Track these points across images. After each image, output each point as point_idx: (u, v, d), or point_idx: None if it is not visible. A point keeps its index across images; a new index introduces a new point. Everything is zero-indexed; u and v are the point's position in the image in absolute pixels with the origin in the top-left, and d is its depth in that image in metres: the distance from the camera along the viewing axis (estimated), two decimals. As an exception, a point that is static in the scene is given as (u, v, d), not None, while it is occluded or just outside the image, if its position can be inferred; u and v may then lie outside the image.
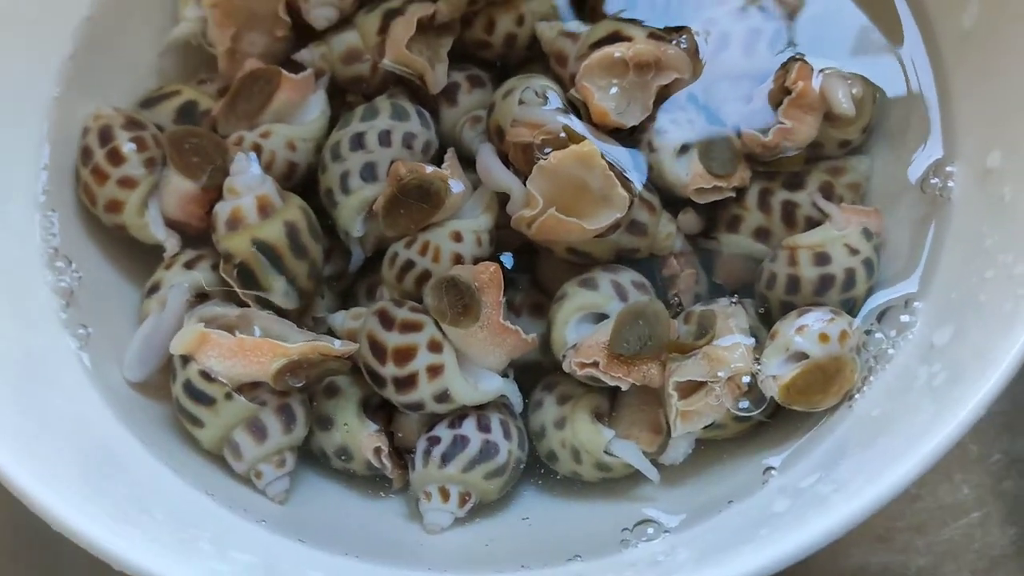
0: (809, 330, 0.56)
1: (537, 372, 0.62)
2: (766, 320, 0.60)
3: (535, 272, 0.65)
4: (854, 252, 0.58)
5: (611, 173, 0.57)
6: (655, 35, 0.63)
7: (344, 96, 0.68)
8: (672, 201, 0.63)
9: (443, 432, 0.58)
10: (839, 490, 0.46)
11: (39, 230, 0.60)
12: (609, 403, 0.60)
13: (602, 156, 0.58)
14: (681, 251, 0.63)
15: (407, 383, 0.57)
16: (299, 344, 0.56)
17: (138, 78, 0.68)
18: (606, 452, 0.58)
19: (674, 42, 0.63)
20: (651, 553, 0.51)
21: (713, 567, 0.44)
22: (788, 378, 0.55)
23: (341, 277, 0.65)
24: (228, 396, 0.57)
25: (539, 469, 0.61)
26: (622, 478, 0.59)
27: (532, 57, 0.68)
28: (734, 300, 0.59)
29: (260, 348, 0.56)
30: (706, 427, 0.56)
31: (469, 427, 0.58)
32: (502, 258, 0.63)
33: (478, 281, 0.58)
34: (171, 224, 0.64)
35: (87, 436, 0.55)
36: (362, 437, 0.59)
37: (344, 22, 0.67)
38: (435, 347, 0.58)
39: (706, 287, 0.64)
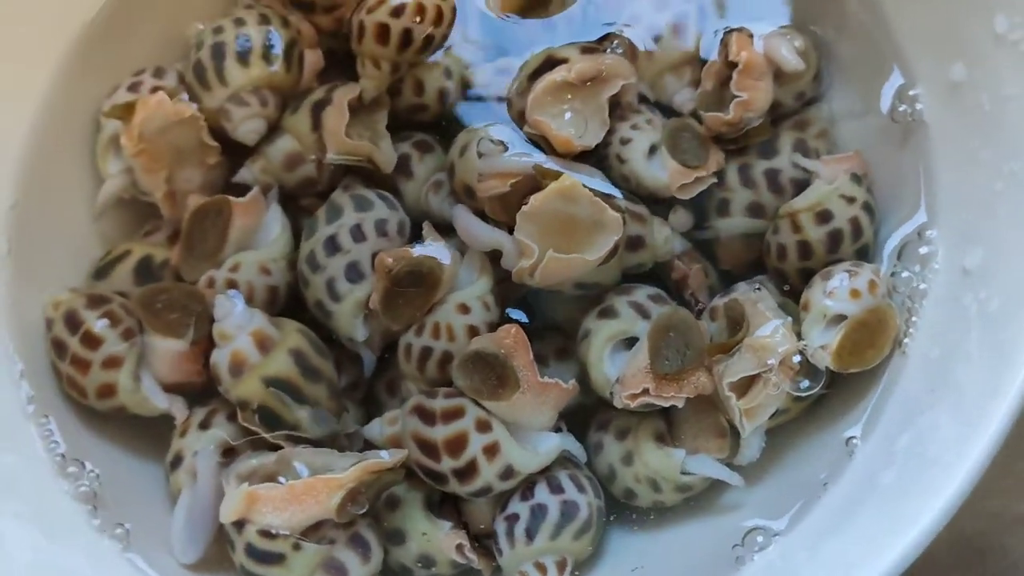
0: (838, 291, 0.55)
1: (582, 414, 0.61)
2: (789, 294, 0.59)
3: (547, 315, 0.64)
4: (851, 200, 0.58)
5: (597, 199, 0.56)
6: (588, 48, 0.62)
7: (298, 202, 0.66)
8: (658, 204, 0.62)
9: (519, 507, 0.56)
10: (943, 443, 0.45)
11: (39, 442, 0.57)
12: (666, 423, 0.59)
13: (583, 185, 0.56)
14: (682, 251, 0.62)
15: (468, 472, 0.55)
16: (350, 470, 0.54)
17: (81, 251, 0.64)
18: (683, 473, 0.57)
19: (608, 50, 0.62)
20: (769, 562, 0.50)
21: (847, 565, 0.42)
22: (835, 343, 0.55)
23: (357, 385, 0.63)
24: (296, 547, 0.54)
25: (630, 514, 0.59)
26: (703, 492, 0.58)
27: (471, 106, 0.66)
28: (756, 286, 0.58)
29: (313, 488, 0.53)
30: (771, 416, 0.55)
31: (542, 494, 0.56)
32: (515, 315, 0.61)
33: (503, 348, 0.56)
34: (170, 388, 0.60)
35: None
36: (440, 539, 0.57)
37: (273, 129, 0.65)
38: (484, 427, 0.56)
39: (716, 277, 0.63)
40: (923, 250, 0.56)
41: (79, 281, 0.63)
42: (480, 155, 0.60)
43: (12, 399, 0.57)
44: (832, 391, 0.56)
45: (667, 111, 0.64)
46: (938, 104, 0.57)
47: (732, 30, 0.62)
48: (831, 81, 0.63)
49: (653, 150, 0.61)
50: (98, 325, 0.59)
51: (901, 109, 0.59)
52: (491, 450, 0.55)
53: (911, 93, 0.58)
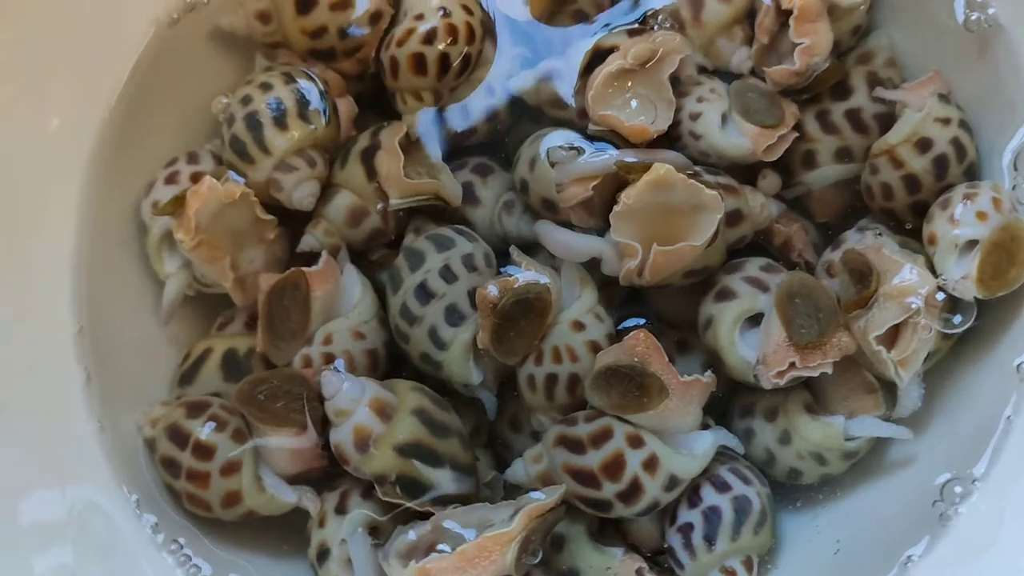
0: (962, 216, 0.53)
1: (715, 403, 0.58)
2: (906, 233, 0.57)
3: (653, 309, 0.61)
4: (946, 121, 0.56)
5: (692, 181, 0.54)
6: (635, 31, 0.59)
7: (367, 257, 0.62)
8: (743, 171, 0.59)
9: (690, 516, 0.54)
10: None
11: (179, 571, 0.53)
12: (810, 392, 0.57)
13: (675, 170, 0.54)
14: (779, 214, 0.60)
15: (633, 492, 0.52)
16: (516, 520, 0.51)
17: (159, 361, 0.61)
18: (847, 439, 0.54)
19: (656, 27, 0.59)
20: (977, 512, 0.48)
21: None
22: (975, 270, 0.53)
23: (479, 430, 0.60)
24: (482, 614, 0.51)
25: (794, 495, 0.57)
26: (867, 453, 0.55)
27: (521, 119, 0.63)
28: (877, 231, 0.56)
29: (484, 548, 0.50)
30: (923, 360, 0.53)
31: (710, 496, 0.54)
32: (635, 321, 0.59)
33: (636, 356, 0.53)
34: (294, 480, 0.57)
35: None
36: (617, 567, 0.54)
37: (326, 188, 0.61)
38: (636, 442, 0.53)
39: (817, 234, 0.61)
40: (1045, 153, 0.54)
41: (165, 393, 0.60)
42: (553, 164, 0.57)
43: (137, 534, 0.54)
44: (983, 321, 0.54)
45: (726, 76, 0.61)
46: (1011, 3, 0.55)
47: (777, -24, 0.59)
48: (884, 4, 0.61)
49: (724, 119, 0.59)
50: (205, 432, 0.56)
51: (974, 18, 0.56)
52: (651, 464, 0.53)
53: (974, 16, 0.56)
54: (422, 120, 0.62)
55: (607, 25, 0.61)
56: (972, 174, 0.56)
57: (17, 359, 0.55)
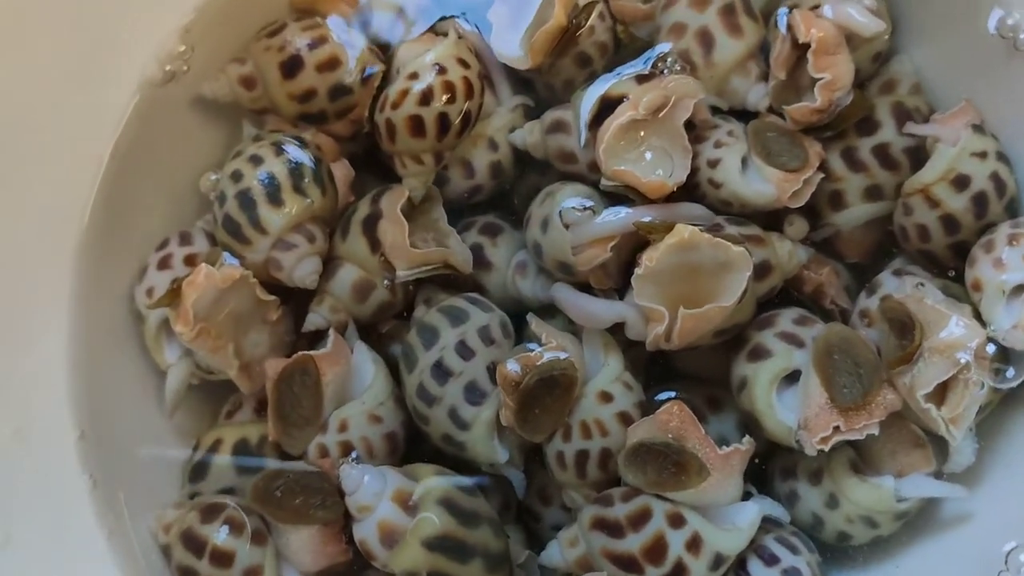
0: (1009, 260, 0.50)
1: (756, 465, 0.55)
2: (945, 276, 0.54)
3: (682, 366, 0.58)
4: (983, 155, 0.53)
5: (718, 239, 0.50)
6: (643, 76, 0.56)
7: (378, 331, 0.59)
8: (766, 217, 0.56)
9: (737, 591, 0.51)
10: None
11: None
12: (855, 449, 0.54)
13: (700, 230, 0.51)
14: (808, 259, 0.56)
15: (678, 575, 0.50)
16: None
17: (166, 456, 0.58)
18: (898, 500, 0.52)
19: (665, 71, 0.56)
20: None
21: None
22: (1024, 317, 0.49)
23: (508, 505, 0.57)
24: None
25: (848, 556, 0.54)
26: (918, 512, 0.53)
27: (526, 171, 0.60)
28: (918, 283, 0.52)
29: (528, 652, 0.48)
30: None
31: (758, 570, 0.51)
32: (667, 394, 0.56)
33: (671, 432, 0.51)
34: (319, 578, 0.54)
35: None
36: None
37: (328, 261, 0.58)
38: (678, 521, 0.50)
39: (848, 277, 0.58)
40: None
41: (176, 491, 0.57)
42: (567, 226, 0.54)
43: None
44: (1032, 369, 0.51)
45: (743, 115, 0.58)
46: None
47: (792, 8, 0.56)
48: (905, 27, 0.57)
49: (745, 163, 0.55)
50: (222, 537, 0.53)
51: (1010, 23, 0.53)
52: (694, 544, 0.50)
53: (1010, 23, 0.52)
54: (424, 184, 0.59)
55: (614, 72, 0.57)
56: (1014, 210, 0.53)
57: (20, 483, 0.52)
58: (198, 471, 0.57)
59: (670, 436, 0.51)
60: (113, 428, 0.57)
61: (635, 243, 0.53)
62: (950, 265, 0.54)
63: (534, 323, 0.55)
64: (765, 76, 0.57)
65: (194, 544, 0.53)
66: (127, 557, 0.54)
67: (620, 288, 0.55)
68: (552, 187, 0.57)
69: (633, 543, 0.50)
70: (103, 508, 0.55)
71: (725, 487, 0.51)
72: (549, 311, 0.57)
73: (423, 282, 0.58)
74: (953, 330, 0.49)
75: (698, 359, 0.57)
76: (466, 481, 0.54)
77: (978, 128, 0.54)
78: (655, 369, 0.58)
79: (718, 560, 0.50)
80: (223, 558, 0.52)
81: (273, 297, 0.57)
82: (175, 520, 0.54)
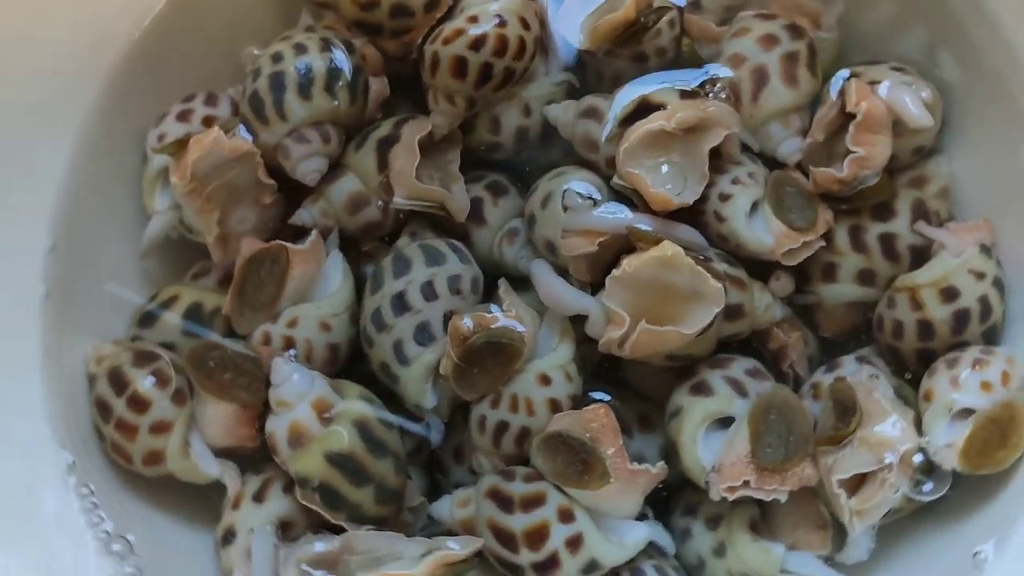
0: (966, 382, 0.50)
1: (665, 490, 0.56)
2: (904, 376, 0.54)
3: (627, 377, 0.59)
4: (980, 276, 0.53)
5: (700, 268, 0.51)
6: (688, 93, 0.56)
7: (359, 248, 0.60)
8: (756, 265, 0.56)
9: (602, 605, 0.52)
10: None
11: (82, 517, 0.52)
12: (761, 510, 0.54)
13: (685, 252, 0.51)
14: (783, 318, 0.57)
15: (548, 566, 0.51)
16: (421, 567, 0.49)
17: (123, 292, 0.60)
18: (782, 571, 0.52)
19: (711, 95, 0.56)
20: None
21: None
22: (963, 442, 0.50)
23: (421, 449, 0.58)
24: (361, 646, 0.50)
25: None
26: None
27: (550, 144, 0.61)
28: (873, 374, 0.52)
29: (382, 585, 0.49)
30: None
31: (627, 588, 0.52)
32: (600, 396, 0.56)
33: (589, 432, 0.51)
34: (222, 453, 0.56)
35: None
36: (515, 636, 0.52)
37: (335, 166, 0.59)
38: (567, 516, 0.51)
39: (816, 347, 0.58)
40: (1066, 336, 0.50)
41: (122, 324, 0.58)
42: (565, 208, 0.55)
43: (53, 468, 0.52)
44: (955, 493, 0.51)
45: (771, 162, 0.58)
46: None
47: (852, 75, 0.56)
48: (954, 131, 0.57)
49: (755, 207, 0.56)
50: (146, 385, 0.54)
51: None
52: (574, 543, 0.51)
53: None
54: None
55: (662, 77, 0.58)
56: (991, 337, 0.53)
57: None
58: (147, 319, 0.58)
59: (588, 435, 0.51)
60: (85, 252, 0.58)
61: (622, 246, 0.54)
62: (911, 368, 0.54)
63: (503, 288, 0.56)
64: (804, 132, 0.57)
65: (118, 383, 0.55)
66: (56, 378, 0.55)
67: (595, 284, 0.55)
68: (566, 168, 0.58)
69: (518, 522, 0.51)
70: (49, 323, 0.56)
71: (623, 501, 0.52)
72: (523, 284, 0.57)
73: (416, 215, 0.59)
74: (889, 429, 0.50)
75: (645, 375, 0.58)
76: (387, 414, 0.55)
77: (985, 249, 0.53)
78: (602, 371, 0.58)
79: (592, 566, 0.51)
80: (140, 404, 0.54)
81: (272, 182, 0.58)
82: (109, 355, 0.56)
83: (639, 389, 0.59)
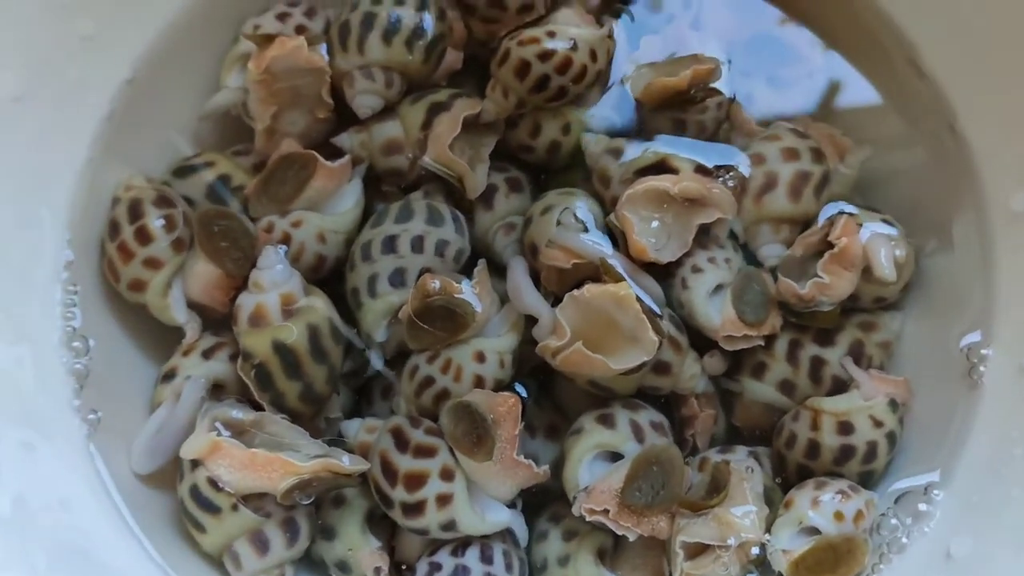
0: (824, 506, 0.55)
1: (543, 496, 0.62)
2: (780, 482, 0.59)
3: (553, 391, 0.65)
4: (878, 424, 0.58)
5: (644, 317, 0.56)
6: (702, 169, 0.61)
7: (379, 185, 0.67)
8: (701, 338, 0.62)
9: (445, 559, 0.58)
10: None
11: (59, 308, 0.59)
12: (613, 541, 0.60)
13: (637, 300, 0.57)
14: (703, 392, 0.62)
15: (415, 509, 0.57)
16: (310, 463, 0.55)
17: (174, 141, 0.67)
18: (606, 600, 0.58)
19: (721, 179, 0.62)
20: None
21: None
22: (798, 554, 0.55)
23: (358, 374, 0.65)
24: (234, 507, 0.56)
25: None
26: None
27: (574, 165, 0.67)
28: (749, 466, 0.58)
29: (272, 464, 0.55)
30: (708, 587, 0.56)
31: (472, 558, 0.58)
32: (519, 388, 0.62)
33: (495, 413, 0.57)
34: (193, 306, 0.63)
35: (78, 527, 0.55)
36: (363, 555, 0.58)
37: (387, 110, 0.66)
38: (447, 475, 0.57)
39: (723, 428, 0.63)
40: (923, 507, 0.55)
41: (160, 167, 0.65)
42: (559, 223, 0.61)
43: (50, 258, 0.59)
44: (775, 595, 0.56)
45: (750, 257, 0.63)
46: (1004, 377, 0.56)
47: (844, 212, 0.61)
48: (914, 298, 0.62)
49: (719, 289, 0.61)
50: (156, 224, 0.61)
51: (968, 360, 0.58)
52: (444, 500, 0.57)
53: (983, 352, 0.57)
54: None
55: (689, 148, 0.63)
56: (866, 480, 0.58)
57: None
58: (182, 171, 0.65)
59: (491, 416, 0.57)
60: (156, 92, 0.64)
61: (591, 273, 0.60)
62: (790, 477, 0.59)
63: (480, 268, 0.62)
64: (788, 243, 0.62)
65: (135, 212, 0.61)
66: (87, 187, 0.61)
67: (557, 296, 0.61)
68: (576, 190, 0.64)
69: (405, 463, 0.57)
70: (102, 138, 0.62)
71: (500, 484, 0.58)
72: (499, 272, 0.63)
73: (436, 178, 0.65)
74: (742, 517, 0.55)
75: (569, 394, 0.64)
76: (342, 328, 0.61)
77: (894, 404, 0.58)
78: (536, 373, 0.64)
79: (451, 525, 0.57)
80: (145, 236, 0.61)
81: (330, 101, 0.65)
82: (137, 187, 0.63)
83: (560, 403, 0.64)
